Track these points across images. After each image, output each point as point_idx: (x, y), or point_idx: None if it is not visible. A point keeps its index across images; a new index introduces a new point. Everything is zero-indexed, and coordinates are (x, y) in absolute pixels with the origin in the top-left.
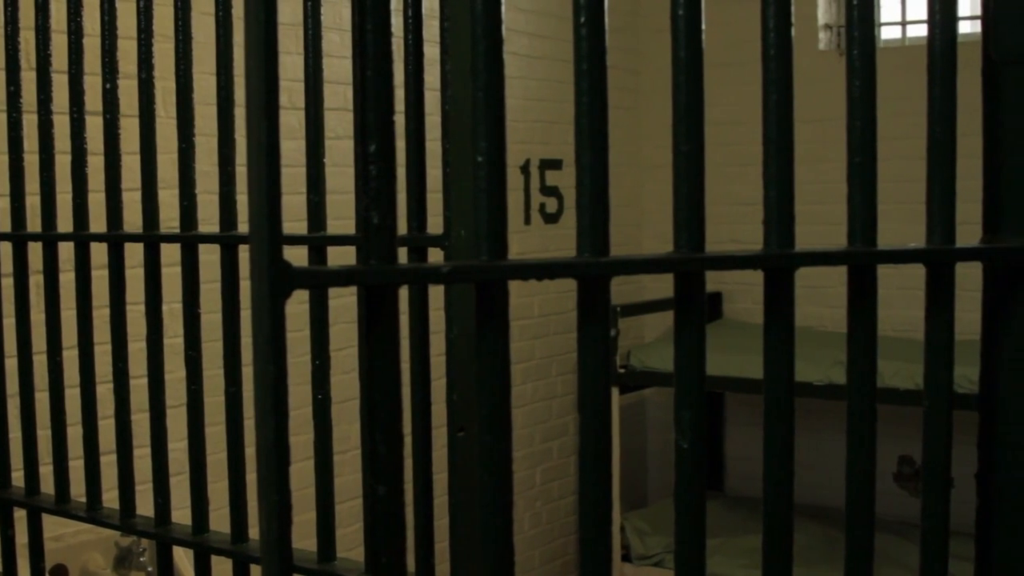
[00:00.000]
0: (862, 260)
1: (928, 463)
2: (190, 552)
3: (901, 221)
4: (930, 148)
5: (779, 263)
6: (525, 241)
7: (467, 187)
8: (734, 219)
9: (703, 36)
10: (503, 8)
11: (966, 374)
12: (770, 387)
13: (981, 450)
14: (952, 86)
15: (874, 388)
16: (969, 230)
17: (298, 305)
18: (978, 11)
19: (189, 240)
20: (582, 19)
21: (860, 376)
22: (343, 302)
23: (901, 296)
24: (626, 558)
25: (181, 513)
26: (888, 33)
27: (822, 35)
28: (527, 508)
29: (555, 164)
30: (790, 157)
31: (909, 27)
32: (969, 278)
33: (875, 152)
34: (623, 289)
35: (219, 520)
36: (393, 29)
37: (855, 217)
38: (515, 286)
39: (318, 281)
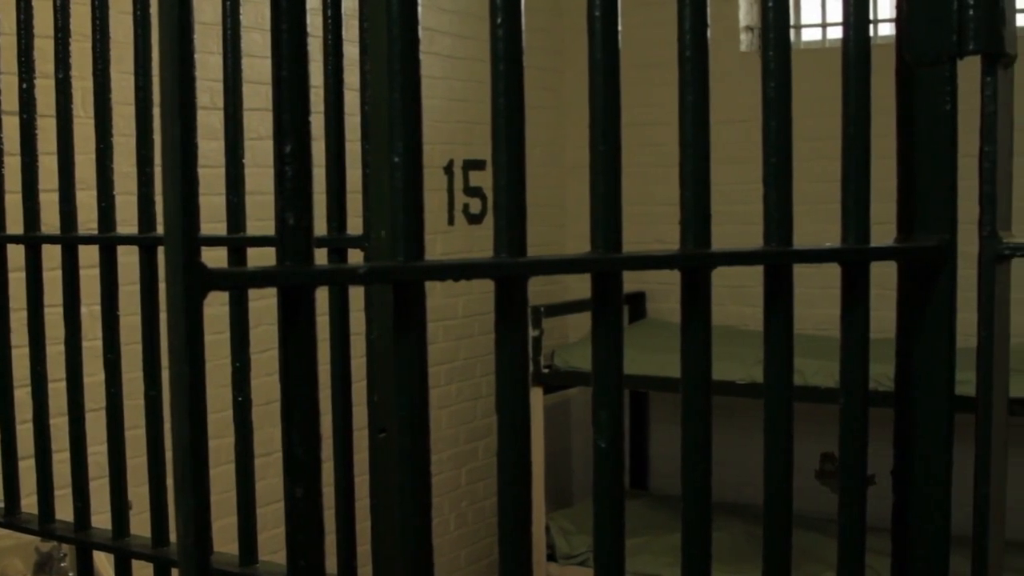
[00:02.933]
0: (777, 260)
1: (844, 459)
2: (112, 556)
3: (824, 221)
4: (845, 148)
5: (695, 263)
6: (449, 242)
7: (385, 188)
8: (658, 219)
9: (620, 37)
10: (419, 9)
11: (886, 372)
12: (688, 386)
13: (897, 447)
14: (866, 87)
15: (791, 385)
16: (887, 230)
17: (220, 307)
18: None
19: (107, 242)
20: (499, 20)
21: (777, 374)
22: (265, 304)
23: (823, 295)
24: (551, 558)
25: (102, 517)
26: (809, 35)
27: (743, 36)
28: (452, 508)
29: (479, 165)
30: (706, 157)
31: (830, 29)
32: (889, 277)
33: (790, 152)
34: (548, 289)
35: (141, 524)
36: (313, 29)
37: (771, 217)
38: (439, 286)
39: (234, 282)
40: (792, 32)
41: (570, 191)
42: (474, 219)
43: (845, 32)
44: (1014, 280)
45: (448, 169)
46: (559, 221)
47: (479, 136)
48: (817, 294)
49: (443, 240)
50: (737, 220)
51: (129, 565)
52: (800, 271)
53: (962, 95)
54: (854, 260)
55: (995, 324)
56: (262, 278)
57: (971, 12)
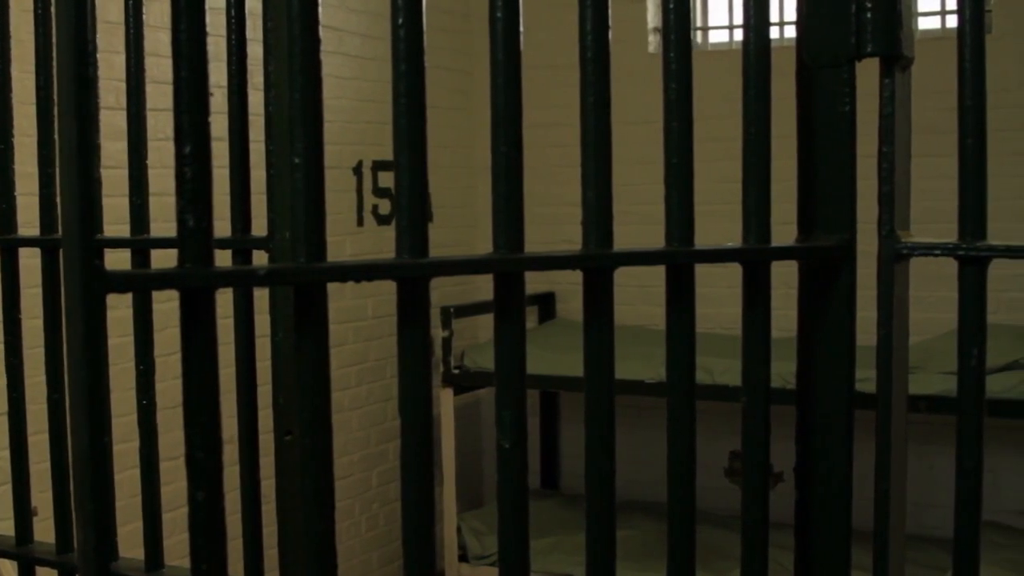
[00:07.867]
0: (679, 259)
1: (747, 456)
2: (16, 563)
3: (733, 221)
4: (745, 149)
5: (596, 263)
6: (358, 243)
7: (288, 189)
8: (566, 220)
9: (522, 38)
10: (321, 8)
11: (792, 370)
12: (591, 384)
13: (799, 444)
14: (766, 88)
15: (693, 383)
16: (791, 229)
17: (126, 309)
18: None
19: (8, 244)
20: (400, 20)
21: (679, 372)
22: (171, 306)
23: (730, 295)
24: (463, 558)
25: (5, 524)
26: (716, 37)
27: (652, 38)
28: (363, 511)
29: (388, 166)
30: (608, 158)
31: (736, 31)
32: (794, 276)
33: (691, 153)
34: (458, 290)
35: (47, 530)
36: (218, 29)
37: (672, 217)
38: (348, 288)
39: (133, 285)
40: (699, 34)
41: (480, 192)
42: (383, 220)
43: (745, 34)
44: (912, 279)
45: (357, 170)
46: (469, 222)
47: (388, 137)
48: (726, 293)
49: (352, 241)
50: (645, 220)
51: (33, 571)
52: (709, 271)
53: (861, 97)
54: (755, 260)
55: (894, 322)
56: (162, 280)
57: (869, 15)
